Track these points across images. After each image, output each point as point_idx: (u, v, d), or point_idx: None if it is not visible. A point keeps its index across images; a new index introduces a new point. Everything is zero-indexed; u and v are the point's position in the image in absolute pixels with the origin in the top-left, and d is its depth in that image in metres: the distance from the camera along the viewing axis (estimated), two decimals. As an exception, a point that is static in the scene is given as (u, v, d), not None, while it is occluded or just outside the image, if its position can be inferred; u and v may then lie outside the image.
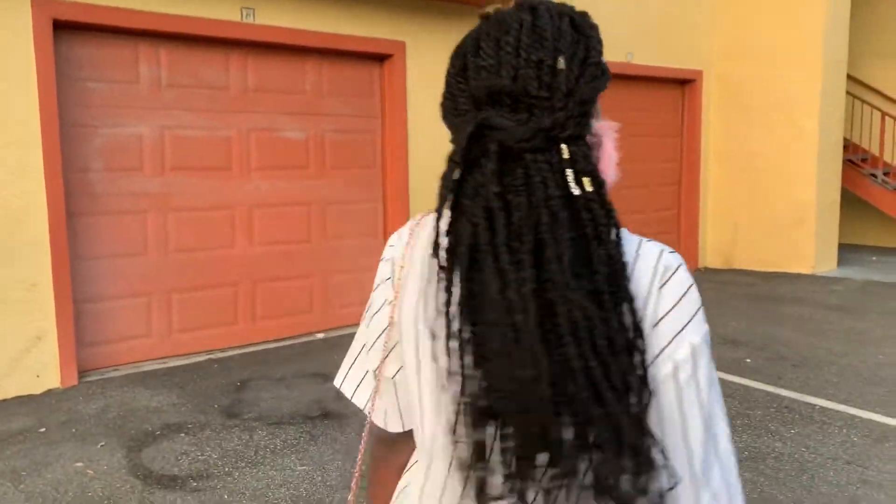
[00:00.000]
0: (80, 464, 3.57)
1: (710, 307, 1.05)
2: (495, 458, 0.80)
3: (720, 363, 4.86)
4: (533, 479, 0.78)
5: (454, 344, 0.81)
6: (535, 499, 0.82)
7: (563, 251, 0.77)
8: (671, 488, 0.79)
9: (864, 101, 9.86)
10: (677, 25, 8.74)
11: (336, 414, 4.22)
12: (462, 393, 0.81)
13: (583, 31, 0.86)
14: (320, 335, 6.06)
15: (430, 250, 0.86)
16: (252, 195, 5.73)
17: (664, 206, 9.15)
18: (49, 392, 4.63)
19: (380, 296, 1.01)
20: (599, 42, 0.88)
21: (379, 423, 1.04)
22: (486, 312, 0.78)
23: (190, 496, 3.24)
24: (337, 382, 1.11)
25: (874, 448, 3.70)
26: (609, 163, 0.88)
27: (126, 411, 4.28)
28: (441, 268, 0.83)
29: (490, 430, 0.79)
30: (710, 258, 9.36)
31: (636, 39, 8.09)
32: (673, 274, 0.85)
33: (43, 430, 4.01)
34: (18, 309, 4.56)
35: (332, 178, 6.15)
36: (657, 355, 0.82)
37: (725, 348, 5.49)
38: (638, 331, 0.79)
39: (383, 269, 1.02)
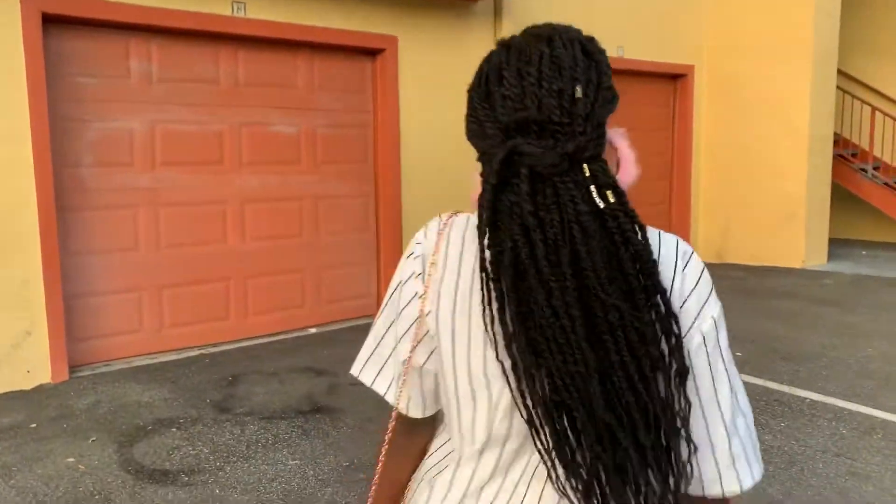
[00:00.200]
0: (71, 459, 3.57)
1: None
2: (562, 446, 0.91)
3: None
4: (595, 466, 0.89)
5: (513, 345, 0.91)
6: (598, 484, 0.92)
7: (597, 260, 0.88)
8: (692, 454, 0.92)
9: (854, 97, 9.90)
10: (669, 20, 8.76)
11: (328, 409, 4.23)
12: (529, 388, 0.90)
13: (593, 57, 0.96)
14: (313, 330, 6.06)
15: (475, 262, 0.97)
16: (243, 190, 5.71)
17: (656, 200, 9.17)
18: (40, 387, 4.61)
19: (409, 290, 1.07)
20: (608, 66, 0.98)
21: (402, 408, 1.11)
22: (537, 318, 0.89)
23: (181, 491, 3.24)
24: (355, 371, 1.17)
25: (862, 440, 3.73)
26: (629, 162, 1.01)
27: (117, 406, 4.27)
28: (489, 279, 0.92)
29: (562, 422, 0.90)
30: (702, 252, 9.39)
31: (628, 34, 8.10)
32: (690, 258, 0.99)
33: (34, 425, 4.00)
34: (8, 304, 4.54)
35: (324, 172, 6.14)
36: (688, 329, 0.96)
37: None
38: (673, 316, 0.90)
39: (412, 265, 1.08)
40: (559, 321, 0.87)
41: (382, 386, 1.13)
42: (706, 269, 1.00)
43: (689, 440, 0.92)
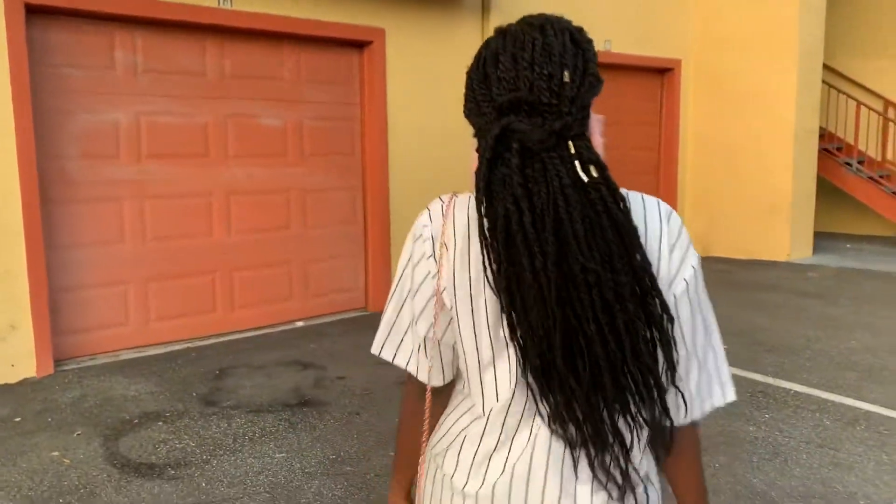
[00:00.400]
0: (55, 453, 3.55)
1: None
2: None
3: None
4: (572, 412, 1.02)
5: (505, 302, 1.02)
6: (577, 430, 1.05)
7: (577, 227, 0.97)
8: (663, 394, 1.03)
9: (839, 91, 9.96)
10: (656, 14, 8.77)
11: (315, 402, 4.22)
12: (513, 340, 1.03)
13: (581, 46, 1.05)
14: (300, 323, 6.04)
15: (475, 230, 1.08)
16: (230, 182, 5.68)
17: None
18: (24, 381, 4.58)
19: (422, 270, 1.16)
20: (595, 55, 1.07)
21: (423, 378, 1.20)
22: (522, 279, 1.00)
23: (167, 484, 3.23)
24: (375, 350, 1.25)
25: (845, 431, 3.77)
26: (596, 145, 1.08)
27: (103, 400, 4.25)
28: (488, 245, 1.03)
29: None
30: (688, 246, 9.42)
31: (615, 27, 8.11)
32: (671, 215, 1.11)
33: (18, 419, 3.98)
34: (-8, 297, 4.51)
35: (311, 165, 6.12)
36: (675, 276, 1.08)
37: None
38: (652, 276, 1.01)
39: (423, 247, 1.16)
40: (537, 281, 0.98)
41: (402, 360, 1.22)
42: (684, 225, 1.13)
43: (663, 385, 1.03)
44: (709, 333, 1.15)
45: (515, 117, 1.02)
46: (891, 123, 10.25)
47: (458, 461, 1.16)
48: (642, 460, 1.12)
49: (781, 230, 8.81)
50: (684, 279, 1.09)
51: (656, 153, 9.38)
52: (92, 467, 3.39)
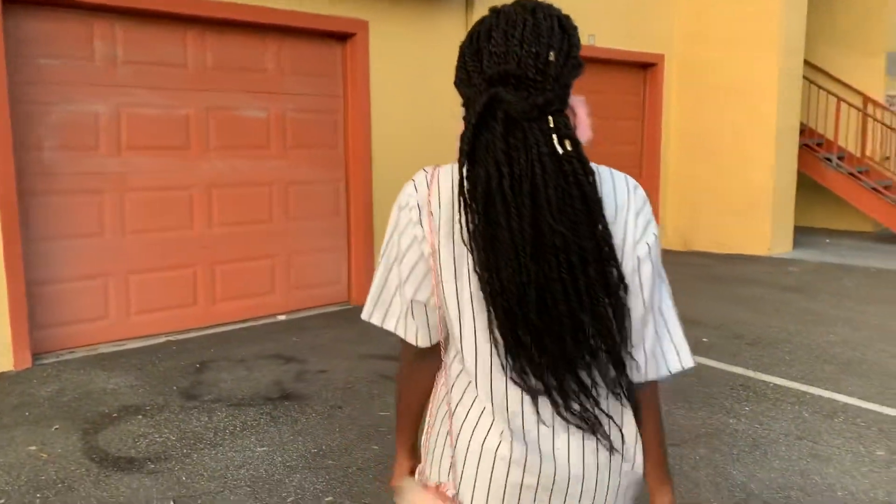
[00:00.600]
0: (33, 447, 3.51)
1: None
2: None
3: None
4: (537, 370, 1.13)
5: (481, 262, 1.11)
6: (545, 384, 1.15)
7: (551, 193, 1.07)
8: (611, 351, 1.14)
9: (820, 87, 10.04)
10: (639, 9, 8.79)
11: (296, 395, 4.21)
12: (486, 294, 1.11)
13: (567, 31, 1.15)
14: (282, 317, 6.01)
15: (457, 191, 1.14)
16: (211, 175, 5.63)
17: (625, 188, 9.21)
18: (2, 375, 4.52)
19: (408, 236, 1.22)
20: (578, 40, 1.17)
21: (411, 340, 1.26)
22: (500, 238, 1.08)
23: (147, 478, 3.20)
24: (365, 316, 1.31)
25: (824, 423, 3.81)
26: (584, 125, 1.18)
27: (82, 394, 4.21)
28: (467, 205, 1.11)
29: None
30: (670, 240, 9.49)
31: (598, 22, 8.11)
32: (637, 187, 1.22)
33: (-5, 413, 3.93)
34: (-32, 290, 4.45)
35: (294, 157, 6.08)
36: (639, 239, 1.18)
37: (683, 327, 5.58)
38: (610, 244, 1.11)
39: (409, 214, 1.22)
40: (513, 240, 1.07)
41: (391, 324, 1.28)
42: (648, 198, 1.23)
43: (618, 344, 1.13)
44: (664, 300, 1.24)
45: (503, 89, 1.10)
46: (870, 119, 10.36)
47: (464, 418, 1.24)
48: (609, 406, 1.20)
49: (762, 225, 8.88)
50: (647, 243, 1.18)
51: (639, 147, 9.42)
52: (70, 461, 3.36)
